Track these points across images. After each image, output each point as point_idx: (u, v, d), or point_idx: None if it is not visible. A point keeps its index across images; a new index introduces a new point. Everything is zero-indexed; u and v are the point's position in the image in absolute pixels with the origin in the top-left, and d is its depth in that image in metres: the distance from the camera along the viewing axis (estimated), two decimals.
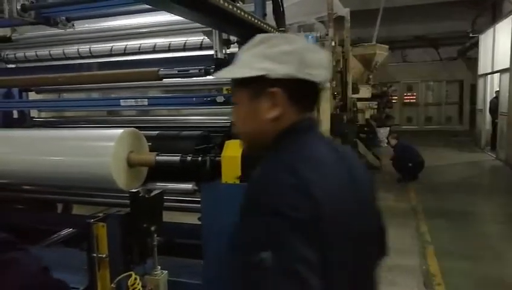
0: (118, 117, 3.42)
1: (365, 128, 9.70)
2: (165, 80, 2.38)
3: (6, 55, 3.28)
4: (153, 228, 1.64)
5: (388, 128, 11.35)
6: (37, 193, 2.75)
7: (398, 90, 18.14)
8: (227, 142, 1.93)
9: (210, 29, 2.19)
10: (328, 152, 1.00)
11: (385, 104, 12.21)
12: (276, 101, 0.97)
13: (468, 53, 15.94)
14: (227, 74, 1.05)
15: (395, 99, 16.82)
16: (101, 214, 1.64)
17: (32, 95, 3.64)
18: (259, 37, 1.03)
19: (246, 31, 2.08)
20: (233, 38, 2.29)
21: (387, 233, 1.26)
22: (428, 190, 7.11)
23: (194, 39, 2.42)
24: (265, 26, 2.15)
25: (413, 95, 19.02)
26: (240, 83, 1.01)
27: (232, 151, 1.86)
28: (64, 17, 2.52)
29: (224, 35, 2.22)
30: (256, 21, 1.98)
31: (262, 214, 0.85)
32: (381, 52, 10.59)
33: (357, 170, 1.06)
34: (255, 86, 0.98)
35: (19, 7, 2.20)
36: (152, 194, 1.76)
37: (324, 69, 1.00)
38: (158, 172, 2.18)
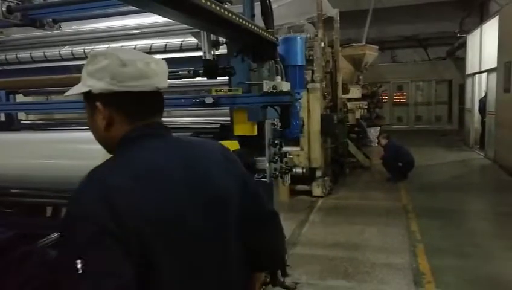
0: None
1: (355, 129, 9.75)
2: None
3: None
4: None
5: (378, 128, 11.42)
6: (26, 196, 2.72)
7: (388, 90, 18.27)
8: (223, 143, 1.92)
9: (198, 30, 2.19)
10: (158, 157, 1.05)
11: (375, 104, 12.29)
12: (102, 113, 1.06)
13: (457, 53, 16.11)
14: (69, 92, 1.14)
15: (385, 99, 16.94)
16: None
17: (20, 98, 3.61)
18: (90, 54, 1.11)
19: (233, 32, 2.08)
20: (222, 39, 2.30)
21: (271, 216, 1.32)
22: (419, 188, 7.17)
23: (178, 41, 2.41)
24: (253, 27, 2.15)
25: (403, 95, 19.17)
26: (84, 98, 1.10)
27: None
28: (50, 19, 2.50)
29: (213, 37, 2.22)
30: (244, 22, 1.98)
31: (66, 221, 0.94)
32: (371, 53, 10.65)
33: (205, 165, 1.13)
34: (89, 101, 1.08)
35: (4, 9, 2.18)
36: None
37: (148, 79, 1.05)
38: None
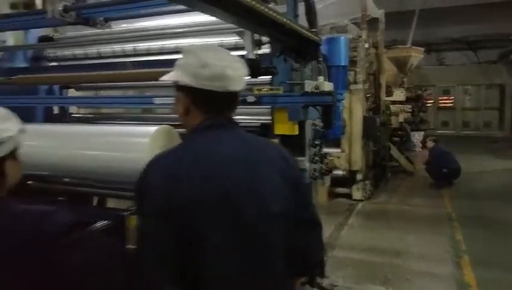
0: (153, 115, 3.50)
1: (399, 132, 9.48)
2: None
3: (49, 53, 3.43)
4: None
5: (422, 133, 11.04)
6: (75, 185, 2.86)
7: (433, 94, 17.61)
8: None
9: (242, 30, 2.21)
10: (215, 145, 1.18)
11: (420, 107, 11.89)
12: (182, 102, 1.22)
13: (511, 56, 15.27)
14: (164, 77, 1.30)
15: (430, 103, 16.34)
16: (133, 208, 1.68)
17: (72, 92, 3.79)
18: (184, 49, 1.28)
19: (277, 32, 2.09)
20: (265, 39, 2.31)
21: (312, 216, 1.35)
22: (464, 196, 6.86)
23: (229, 40, 2.44)
24: (297, 27, 2.15)
25: (449, 99, 18.41)
26: (173, 85, 1.26)
27: None
28: (102, 18, 2.61)
29: (256, 36, 2.24)
30: (288, 22, 1.98)
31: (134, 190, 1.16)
32: (416, 55, 10.33)
33: (259, 159, 1.22)
34: (176, 88, 1.24)
35: (61, 8, 2.30)
36: None
37: (221, 81, 1.17)
38: None
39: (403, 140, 9.73)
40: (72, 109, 3.70)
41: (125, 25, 2.96)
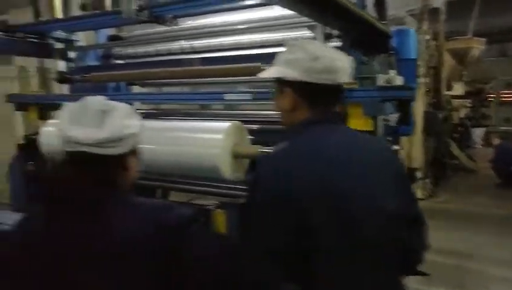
0: (209, 110, 3.55)
1: (458, 128, 9.03)
2: None
3: (117, 52, 3.58)
4: None
5: (484, 129, 10.45)
6: (143, 179, 2.96)
7: (495, 88, 16.59)
8: None
9: (314, 23, 2.17)
10: (326, 140, 1.16)
11: (481, 102, 11.24)
12: (289, 98, 1.21)
13: None
14: (262, 74, 1.35)
15: (492, 97, 15.40)
16: (215, 202, 1.71)
17: (136, 89, 3.94)
18: (288, 44, 1.27)
19: (347, 23, 2.04)
20: (334, 32, 2.26)
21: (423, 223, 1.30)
22: None
23: (295, 34, 2.42)
24: (371, 18, 2.09)
25: None
26: (275, 81, 1.26)
27: None
28: (171, 15, 2.67)
29: (327, 30, 2.19)
30: (363, 13, 1.92)
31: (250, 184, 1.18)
32: (478, 46, 9.76)
33: (371, 158, 1.19)
34: (279, 84, 1.24)
35: (135, 7, 2.37)
36: None
37: (333, 74, 1.17)
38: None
39: (463, 136, 9.26)
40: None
41: (190, 22, 3.02)
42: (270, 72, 1.25)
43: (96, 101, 1.01)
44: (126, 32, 3.60)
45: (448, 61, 8.98)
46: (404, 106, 2.03)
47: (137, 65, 3.42)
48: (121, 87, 3.75)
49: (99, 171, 0.96)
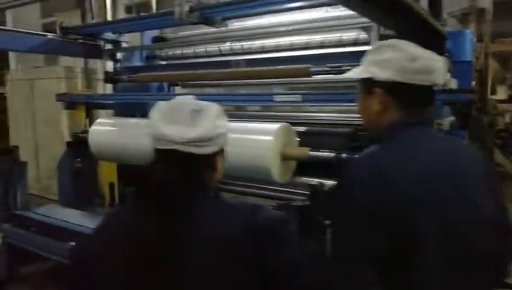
0: (255, 112, 3.53)
1: (502, 134, 8.65)
2: (316, 77, 2.39)
3: (161, 53, 3.63)
4: (327, 222, 1.63)
5: None
6: None
7: None
8: None
9: (369, 24, 2.12)
10: (421, 144, 1.12)
11: None
12: (379, 99, 1.15)
13: None
14: (347, 74, 1.29)
15: None
16: (273, 204, 1.69)
17: (178, 90, 3.98)
18: (375, 44, 1.24)
19: (405, 23, 1.98)
20: (389, 33, 2.20)
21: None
22: None
23: (348, 35, 2.38)
24: (430, 19, 2.02)
25: None
26: (359, 81, 1.22)
27: None
28: (220, 17, 2.68)
29: (382, 31, 2.14)
30: (422, 12, 1.86)
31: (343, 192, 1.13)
32: None
33: (467, 164, 1.14)
34: (367, 85, 1.18)
35: (187, 9, 2.40)
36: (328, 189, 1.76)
37: (430, 74, 1.12)
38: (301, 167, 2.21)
39: (508, 143, 8.87)
40: None
41: (235, 24, 3.00)
42: (358, 72, 1.20)
43: (189, 100, 1.02)
44: (170, 34, 3.65)
45: (492, 64, 8.63)
46: (465, 110, 1.95)
47: (180, 66, 3.46)
48: (164, 87, 3.82)
49: (190, 170, 0.95)
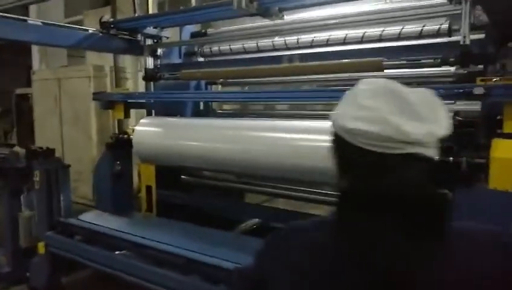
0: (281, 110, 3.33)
1: None
2: (390, 71, 2.18)
3: (201, 49, 3.43)
4: None
5: None
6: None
7: None
8: (495, 141, 1.63)
9: (458, 12, 1.90)
10: None
11: None
12: None
13: None
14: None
15: None
16: None
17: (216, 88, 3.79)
18: None
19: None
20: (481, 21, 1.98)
21: None
22: None
23: (430, 26, 2.15)
24: None
25: None
26: None
27: (506, 153, 1.56)
28: (277, 8, 2.48)
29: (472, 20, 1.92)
30: None
31: None
32: None
33: None
34: None
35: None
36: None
37: None
38: None
39: None
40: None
41: (288, 17, 2.79)
42: None
43: (423, 91, 0.79)
44: (213, 29, 3.44)
45: None
46: None
47: (222, 63, 3.26)
48: (202, 86, 3.64)
49: (436, 179, 0.72)
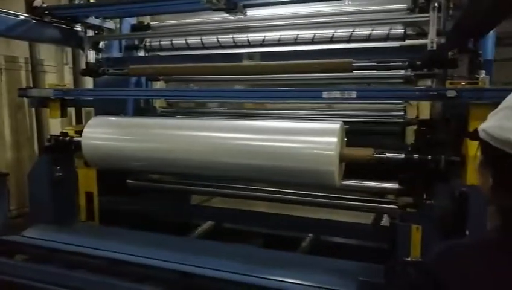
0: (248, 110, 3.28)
1: None
2: (357, 72, 2.25)
3: (146, 43, 3.20)
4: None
5: None
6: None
7: None
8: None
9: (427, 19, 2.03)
10: None
11: None
12: None
13: None
14: None
15: None
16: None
17: (160, 85, 3.58)
18: None
19: None
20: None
21: None
22: None
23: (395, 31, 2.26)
24: None
25: None
26: None
27: None
28: (242, 4, 2.41)
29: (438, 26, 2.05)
30: None
31: None
32: None
33: None
34: None
35: None
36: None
37: None
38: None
39: None
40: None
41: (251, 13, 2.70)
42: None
43: None
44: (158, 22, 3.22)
45: None
46: None
47: (169, 58, 3.08)
48: (142, 82, 3.42)
49: None
